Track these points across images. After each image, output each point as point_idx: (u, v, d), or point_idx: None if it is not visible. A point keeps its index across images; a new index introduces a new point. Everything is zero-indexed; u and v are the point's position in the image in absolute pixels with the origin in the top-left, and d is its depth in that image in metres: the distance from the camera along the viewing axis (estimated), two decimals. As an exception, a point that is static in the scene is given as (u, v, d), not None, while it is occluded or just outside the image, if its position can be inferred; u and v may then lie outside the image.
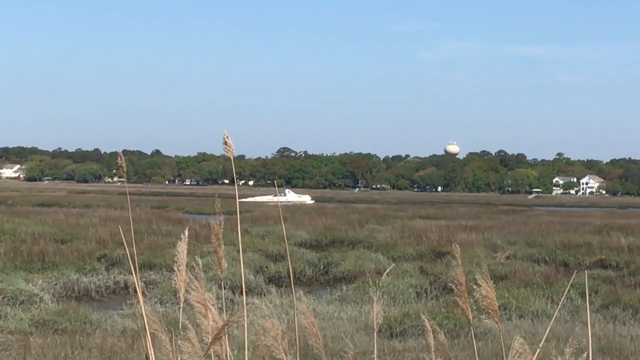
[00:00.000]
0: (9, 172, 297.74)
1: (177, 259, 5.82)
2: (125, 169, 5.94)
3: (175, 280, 5.81)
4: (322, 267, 39.77)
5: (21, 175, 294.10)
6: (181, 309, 5.87)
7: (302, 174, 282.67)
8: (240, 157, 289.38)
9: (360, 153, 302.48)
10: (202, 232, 42.74)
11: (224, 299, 6.15)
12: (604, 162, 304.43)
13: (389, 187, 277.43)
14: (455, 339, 21.21)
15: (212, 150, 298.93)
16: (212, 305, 5.77)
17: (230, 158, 5.90)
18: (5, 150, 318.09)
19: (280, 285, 34.03)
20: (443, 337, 5.97)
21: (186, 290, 5.80)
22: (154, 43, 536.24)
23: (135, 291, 5.78)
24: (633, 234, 54.10)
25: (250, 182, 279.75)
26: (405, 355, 19.07)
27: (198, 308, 5.68)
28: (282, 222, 8.25)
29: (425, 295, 31.58)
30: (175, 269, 5.80)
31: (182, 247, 5.85)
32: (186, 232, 5.88)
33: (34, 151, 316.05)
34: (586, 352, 5.69)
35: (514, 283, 31.93)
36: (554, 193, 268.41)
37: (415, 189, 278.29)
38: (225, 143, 5.67)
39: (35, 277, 31.72)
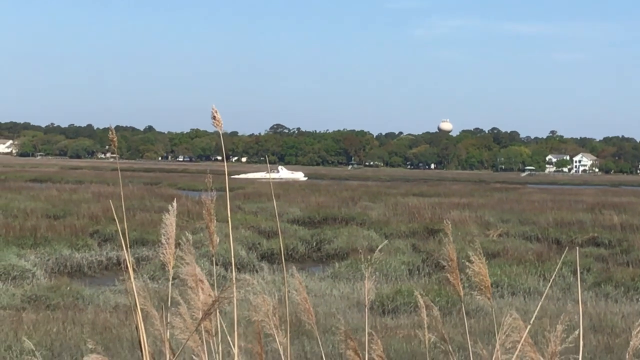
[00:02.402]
0: (1, 147, 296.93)
1: (165, 231, 5.76)
2: (116, 144, 5.89)
3: (163, 254, 5.75)
4: (314, 244, 39.75)
5: (14, 151, 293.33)
6: (170, 283, 5.83)
7: (295, 150, 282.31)
8: (234, 134, 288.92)
9: (354, 130, 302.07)
10: (194, 209, 42.69)
11: (215, 275, 6.12)
12: (597, 140, 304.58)
13: (382, 165, 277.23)
14: (447, 316, 21.24)
15: (205, 126, 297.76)
16: (205, 279, 5.74)
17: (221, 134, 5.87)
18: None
19: (272, 262, 34.00)
20: (437, 313, 5.95)
21: (178, 265, 5.77)
22: (148, 20, 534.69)
23: (127, 267, 5.75)
24: (625, 212, 54.18)
25: (244, 159, 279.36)
26: (397, 332, 19.10)
27: (190, 282, 5.64)
28: (274, 199, 8.26)
29: (417, 272, 31.61)
30: (164, 241, 5.75)
31: (171, 219, 5.80)
32: (174, 204, 5.82)
33: (26, 126, 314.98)
34: (578, 330, 5.67)
35: (506, 260, 31.98)
36: (547, 171, 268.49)
37: (409, 167, 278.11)
38: (214, 118, 5.63)
39: (27, 253, 31.68)
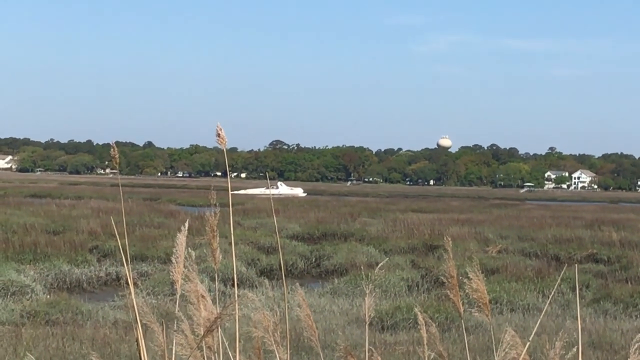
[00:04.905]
0: (0, 163, 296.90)
1: (176, 250, 5.80)
2: (118, 160, 5.92)
3: (172, 272, 5.79)
4: (314, 260, 39.75)
5: (13, 166, 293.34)
6: (177, 301, 5.86)
7: (295, 166, 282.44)
8: (233, 150, 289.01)
9: (353, 146, 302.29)
10: (194, 224, 42.63)
11: (217, 291, 6.15)
12: (596, 157, 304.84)
13: (381, 181, 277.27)
14: (446, 332, 21.25)
15: (204, 142, 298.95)
16: (209, 296, 5.77)
17: (222, 150, 5.91)
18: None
19: (272, 278, 33.94)
20: (435, 330, 5.98)
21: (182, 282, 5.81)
22: (147, 36, 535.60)
23: (127, 282, 5.77)
24: (624, 228, 54.18)
25: (243, 175, 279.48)
26: (396, 348, 19.11)
27: (193, 299, 5.67)
28: (274, 214, 8.25)
29: (416, 288, 31.59)
30: (174, 260, 5.79)
31: (182, 239, 5.83)
32: (186, 225, 5.87)
33: (26, 142, 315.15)
34: (576, 347, 5.70)
35: (505, 277, 31.96)
36: (545, 187, 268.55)
37: (408, 183, 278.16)
38: (219, 135, 5.67)
39: (26, 268, 31.66)
